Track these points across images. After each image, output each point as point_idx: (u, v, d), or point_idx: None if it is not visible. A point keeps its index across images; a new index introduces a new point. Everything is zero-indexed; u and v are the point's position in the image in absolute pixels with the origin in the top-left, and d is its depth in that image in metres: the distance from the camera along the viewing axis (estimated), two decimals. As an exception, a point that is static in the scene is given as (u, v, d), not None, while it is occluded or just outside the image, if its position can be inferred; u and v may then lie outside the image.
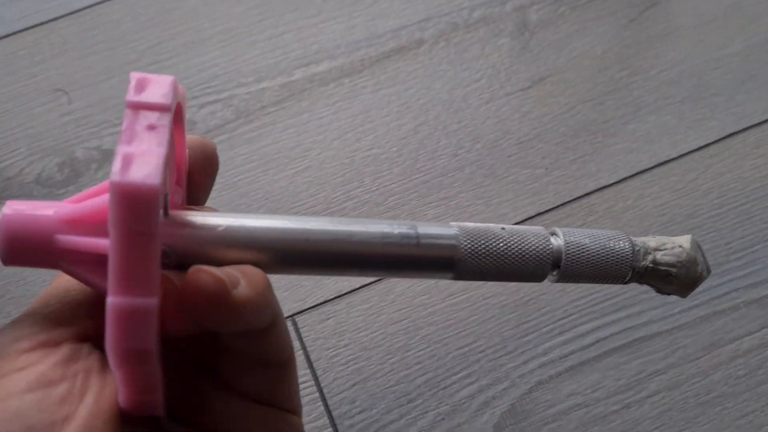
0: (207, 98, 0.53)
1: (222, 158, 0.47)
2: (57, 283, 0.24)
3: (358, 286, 0.46)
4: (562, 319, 0.45)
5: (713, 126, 0.51)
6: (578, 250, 0.25)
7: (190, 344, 0.25)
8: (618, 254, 0.26)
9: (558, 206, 0.48)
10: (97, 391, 0.21)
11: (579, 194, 0.49)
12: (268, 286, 0.23)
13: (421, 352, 0.45)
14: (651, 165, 0.49)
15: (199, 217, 0.23)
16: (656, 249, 0.26)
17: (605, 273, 0.26)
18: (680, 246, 0.26)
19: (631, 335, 0.44)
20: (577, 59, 0.54)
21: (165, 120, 0.21)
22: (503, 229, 0.25)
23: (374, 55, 0.54)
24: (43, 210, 0.22)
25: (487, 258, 0.25)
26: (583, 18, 0.55)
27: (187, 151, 0.26)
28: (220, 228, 0.23)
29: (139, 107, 0.21)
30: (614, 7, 0.56)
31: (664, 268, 0.26)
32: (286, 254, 0.23)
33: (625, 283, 0.27)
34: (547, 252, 0.25)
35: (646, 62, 0.53)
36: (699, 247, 0.27)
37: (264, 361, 0.24)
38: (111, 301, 0.19)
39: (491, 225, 0.26)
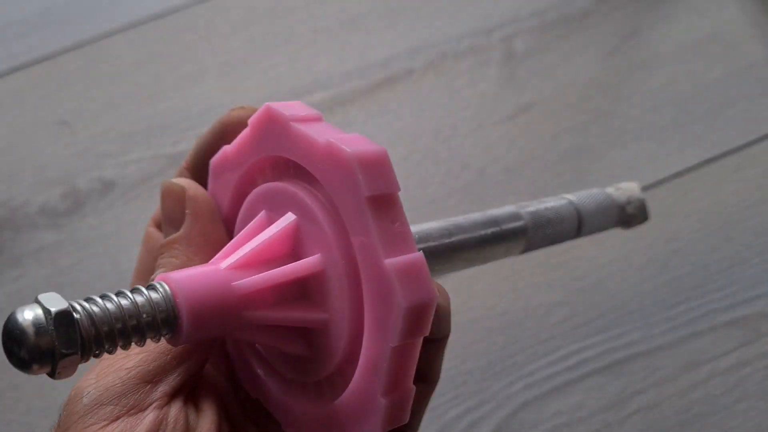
0: (205, 129, 0.55)
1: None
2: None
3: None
4: (546, 341, 0.47)
5: (693, 152, 0.53)
6: (589, 205, 0.34)
7: None
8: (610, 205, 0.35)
9: (542, 231, 0.50)
10: None
11: (562, 220, 0.50)
12: (447, 297, 0.26)
13: (411, 374, 0.46)
14: (632, 190, 0.51)
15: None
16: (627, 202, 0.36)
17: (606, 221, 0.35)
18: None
19: (612, 356, 0.46)
20: (561, 88, 0.56)
21: (401, 214, 0.22)
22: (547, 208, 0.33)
23: (365, 85, 0.56)
24: (202, 268, 0.22)
25: (544, 227, 0.32)
26: (567, 47, 0.57)
27: None
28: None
29: (379, 201, 0.21)
30: (597, 37, 0.58)
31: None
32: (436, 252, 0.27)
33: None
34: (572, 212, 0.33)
35: (628, 90, 0.55)
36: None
37: (419, 376, 0.25)
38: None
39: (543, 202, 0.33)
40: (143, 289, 0.21)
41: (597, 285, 0.48)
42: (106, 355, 0.21)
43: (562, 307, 0.48)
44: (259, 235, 0.23)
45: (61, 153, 0.54)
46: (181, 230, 0.25)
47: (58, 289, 0.52)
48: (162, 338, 0.21)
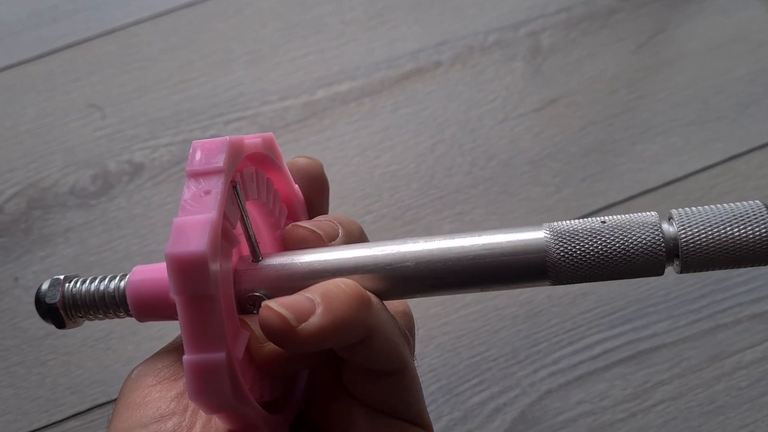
0: (233, 115, 0.55)
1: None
2: None
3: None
4: (572, 330, 0.47)
5: (718, 148, 0.53)
6: (698, 236, 0.22)
7: (320, 358, 0.25)
8: (755, 229, 0.22)
9: (568, 222, 0.50)
10: (203, 423, 0.23)
11: (588, 211, 0.51)
12: (354, 305, 0.22)
13: (435, 360, 0.47)
14: (658, 184, 0.52)
15: (286, 257, 0.24)
16: None
17: (742, 255, 0.22)
18: None
19: (637, 347, 0.46)
20: (587, 82, 0.56)
21: (218, 184, 0.22)
22: (604, 222, 0.23)
23: (393, 76, 0.57)
24: (161, 272, 0.25)
25: (585, 259, 0.22)
26: (593, 43, 0.58)
27: (295, 186, 0.29)
28: (304, 262, 0.24)
29: (197, 174, 0.23)
30: (623, 34, 0.58)
31: None
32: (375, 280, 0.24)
33: None
34: (658, 244, 0.22)
35: (654, 86, 0.56)
36: None
37: (371, 370, 0.24)
38: (185, 359, 0.21)
39: (590, 220, 0.23)
40: (117, 277, 0.26)
41: (622, 276, 0.48)
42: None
43: (587, 297, 0.48)
44: None
45: (92, 136, 0.55)
46: None
47: (86, 269, 0.53)
48: (123, 313, 0.26)
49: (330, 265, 0.24)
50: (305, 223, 0.25)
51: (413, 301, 0.48)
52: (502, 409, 0.45)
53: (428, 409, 0.45)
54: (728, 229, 0.22)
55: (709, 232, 0.22)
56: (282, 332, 0.21)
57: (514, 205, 0.51)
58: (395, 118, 0.55)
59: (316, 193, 0.29)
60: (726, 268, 0.23)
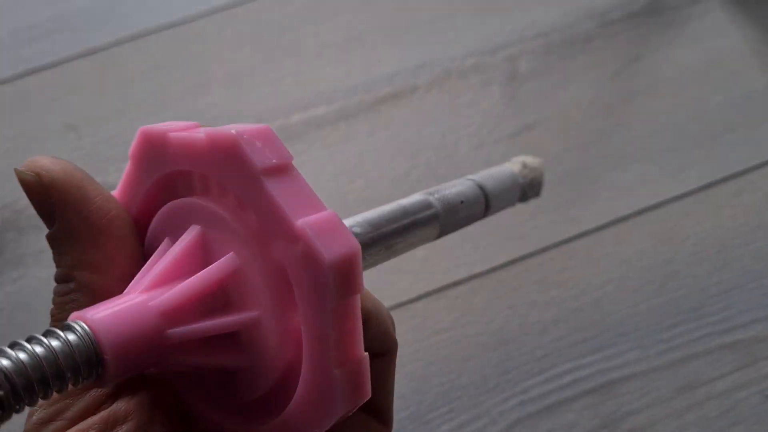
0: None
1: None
2: None
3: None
4: (542, 358, 0.47)
5: (692, 176, 0.53)
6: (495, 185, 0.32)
7: None
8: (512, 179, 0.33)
9: (540, 250, 0.50)
10: None
11: (561, 239, 0.51)
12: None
13: (405, 387, 0.46)
14: (631, 212, 0.52)
15: None
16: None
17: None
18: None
19: (606, 376, 0.46)
20: (563, 108, 0.56)
21: (298, 176, 0.21)
22: (462, 203, 0.31)
23: (370, 100, 0.57)
24: (128, 305, 0.20)
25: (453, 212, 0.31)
26: (570, 69, 0.58)
27: None
28: None
29: (271, 173, 0.20)
30: (600, 60, 0.58)
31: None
32: None
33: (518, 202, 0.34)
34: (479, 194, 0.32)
35: (630, 113, 0.56)
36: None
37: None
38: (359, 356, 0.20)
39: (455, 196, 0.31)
40: (58, 332, 0.19)
41: (593, 304, 0.48)
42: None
43: (558, 326, 0.48)
44: (164, 256, 0.22)
45: (67, 157, 0.55)
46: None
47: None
48: (84, 382, 0.19)
49: None
50: None
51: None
52: (471, 438, 0.45)
53: (397, 437, 0.45)
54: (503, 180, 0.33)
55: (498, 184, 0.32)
56: None
57: (487, 232, 0.51)
58: (371, 142, 0.55)
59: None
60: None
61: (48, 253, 0.51)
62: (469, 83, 0.58)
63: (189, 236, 0.22)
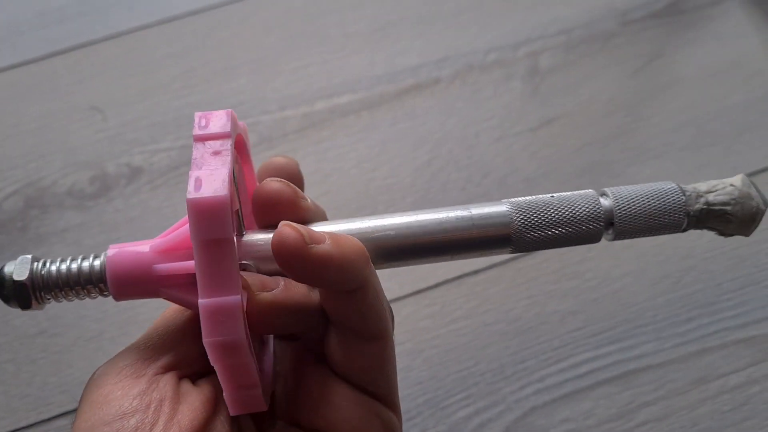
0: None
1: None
2: (160, 318, 0.27)
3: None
4: (559, 348, 0.47)
5: (710, 173, 0.54)
6: (629, 205, 0.27)
7: (302, 341, 0.27)
8: (670, 202, 0.27)
9: (560, 241, 0.51)
10: (166, 420, 0.24)
11: (580, 231, 0.51)
12: (358, 252, 0.24)
13: (422, 374, 0.47)
14: (650, 207, 0.52)
15: (270, 234, 0.25)
16: (708, 192, 0.27)
17: (660, 223, 0.27)
18: (731, 185, 0.28)
19: (623, 367, 0.47)
20: (584, 104, 0.57)
21: (227, 145, 0.24)
22: (552, 197, 0.27)
23: (393, 91, 0.57)
24: (139, 247, 0.25)
25: (541, 228, 0.27)
26: (591, 66, 0.59)
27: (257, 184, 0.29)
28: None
29: (204, 138, 0.24)
30: (621, 57, 0.59)
31: (718, 207, 0.27)
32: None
33: (683, 230, 0.28)
34: (599, 213, 0.27)
35: (650, 110, 0.56)
36: (751, 183, 0.28)
37: (358, 333, 0.25)
38: (201, 303, 0.22)
39: (542, 196, 0.27)
40: (91, 256, 0.26)
41: (611, 296, 0.49)
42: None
43: (576, 316, 0.48)
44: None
45: (92, 138, 0.56)
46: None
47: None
48: (101, 292, 0.26)
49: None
50: (296, 226, 0.25)
51: (403, 314, 0.48)
52: (487, 424, 0.45)
53: (414, 421, 0.45)
54: (650, 201, 0.27)
55: (636, 203, 0.27)
56: (295, 246, 0.23)
57: (507, 222, 0.52)
58: (393, 132, 0.56)
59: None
60: (649, 235, 0.27)
61: (71, 232, 0.51)
62: (491, 77, 0.58)
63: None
